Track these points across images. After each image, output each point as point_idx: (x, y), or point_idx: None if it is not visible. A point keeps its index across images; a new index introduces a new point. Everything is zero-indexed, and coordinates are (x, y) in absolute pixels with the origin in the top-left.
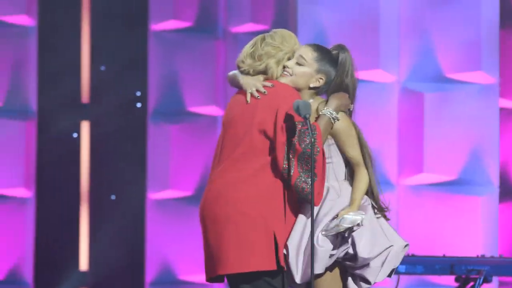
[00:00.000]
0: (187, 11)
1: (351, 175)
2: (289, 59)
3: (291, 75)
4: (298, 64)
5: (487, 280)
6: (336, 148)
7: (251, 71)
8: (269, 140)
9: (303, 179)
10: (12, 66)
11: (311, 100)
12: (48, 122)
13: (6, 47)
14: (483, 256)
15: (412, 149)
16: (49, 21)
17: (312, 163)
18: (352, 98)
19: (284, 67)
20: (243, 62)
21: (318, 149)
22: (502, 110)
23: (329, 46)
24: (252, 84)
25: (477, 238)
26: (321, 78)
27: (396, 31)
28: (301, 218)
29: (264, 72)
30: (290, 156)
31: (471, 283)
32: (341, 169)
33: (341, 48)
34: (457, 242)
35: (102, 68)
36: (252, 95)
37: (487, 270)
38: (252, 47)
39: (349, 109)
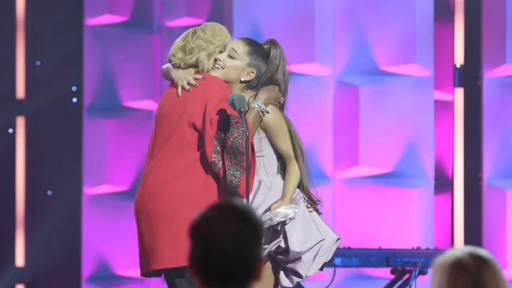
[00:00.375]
0: (122, 5)
1: (283, 169)
2: (220, 52)
3: (222, 68)
4: (230, 57)
5: (422, 272)
6: (267, 142)
7: (182, 65)
8: (198, 133)
9: (231, 172)
10: None
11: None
12: None
13: None
14: (418, 248)
15: (348, 142)
16: None
17: (247, 155)
18: (283, 92)
19: (215, 60)
20: (174, 55)
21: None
22: (437, 102)
23: (263, 40)
24: (183, 77)
25: (412, 230)
26: (252, 72)
27: (331, 25)
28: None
29: (195, 65)
30: (219, 149)
31: (407, 275)
32: (273, 163)
33: (272, 43)
34: (393, 235)
35: (38, 63)
36: (183, 88)
37: (423, 262)
38: (183, 41)
39: (280, 102)
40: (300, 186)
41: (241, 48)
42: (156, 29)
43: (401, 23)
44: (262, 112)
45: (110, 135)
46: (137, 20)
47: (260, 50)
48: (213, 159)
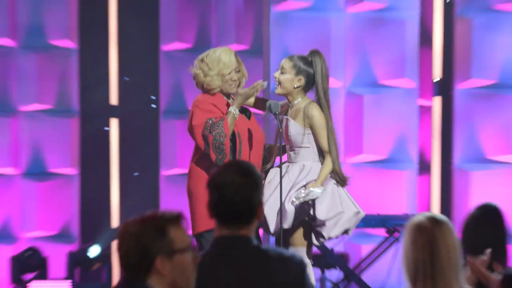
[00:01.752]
0: (187, 35)
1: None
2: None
3: (279, 84)
4: (282, 73)
5: None
6: (311, 136)
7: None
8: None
9: (219, 158)
10: (60, 78)
11: (299, 99)
12: (88, 119)
13: (55, 65)
14: (406, 214)
15: (355, 137)
16: (87, 44)
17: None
18: (326, 87)
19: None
20: None
21: (225, 135)
22: (421, 107)
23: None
24: None
25: (402, 201)
26: (300, 79)
27: (343, 49)
28: (271, 186)
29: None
30: (205, 143)
31: (397, 233)
32: (315, 153)
33: (312, 52)
34: (388, 204)
35: (126, 78)
36: None
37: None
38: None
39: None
40: (334, 171)
41: (286, 64)
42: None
43: (394, 48)
44: (236, 114)
45: (179, 132)
46: (198, 46)
47: (303, 61)
48: (205, 151)
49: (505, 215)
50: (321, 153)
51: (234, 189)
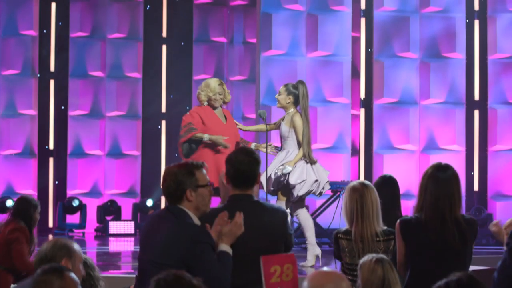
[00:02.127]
0: (209, 69)
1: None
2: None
3: (278, 101)
4: (279, 95)
5: None
6: (293, 134)
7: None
8: None
9: (181, 135)
10: (131, 95)
11: (290, 110)
12: (147, 121)
13: (127, 88)
14: (343, 180)
15: (312, 132)
16: (147, 75)
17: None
18: (305, 103)
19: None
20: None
21: (190, 131)
22: (352, 115)
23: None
24: None
25: (341, 173)
26: (289, 98)
27: (304, 79)
28: (274, 163)
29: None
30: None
31: (338, 193)
32: (295, 144)
33: (298, 81)
34: (333, 175)
35: (171, 96)
36: None
37: (344, 186)
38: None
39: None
40: (304, 155)
41: (282, 89)
42: (225, 81)
43: (335, 78)
44: (203, 138)
45: None
46: (216, 77)
47: (292, 86)
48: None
49: (397, 182)
50: (299, 144)
51: (245, 165)
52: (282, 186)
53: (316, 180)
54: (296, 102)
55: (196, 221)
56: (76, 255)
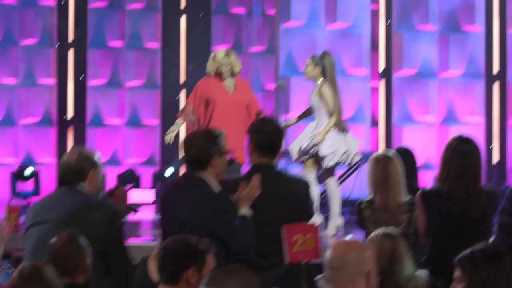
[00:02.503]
0: (229, 40)
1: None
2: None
3: (308, 74)
4: (306, 67)
5: (365, 162)
6: (323, 104)
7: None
8: None
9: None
10: (150, 66)
11: (320, 80)
12: (166, 91)
13: (146, 59)
14: (363, 151)
15: None
16: (166, 45)
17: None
18: (332, 73)
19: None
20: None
21: (183, 111)
22: (372, 87)
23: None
24: None
25: (361, 143)
26: (318, 68)
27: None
28: (304, 134)
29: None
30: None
31: (358, 163)
32: (326, 114)
33: (325, 52)
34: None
35: (189, 67)
36: None
37: (364, 157)
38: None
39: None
40: (336, 124)
41: (308, 61)
42: (243, 53)
43: (355, 50)
44: (190, 121)
45: None
46: (235, 48)
47: (318, 58)
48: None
49: (414, 154)
50: (329, 115)
51: (272, 133)
52: (312, 156)
53: (346, 152)
54: (324, 73)
55: (216, 187)
56: (99, 165)
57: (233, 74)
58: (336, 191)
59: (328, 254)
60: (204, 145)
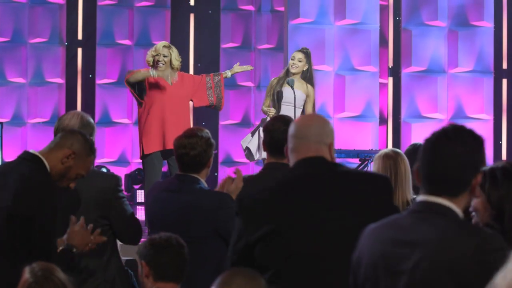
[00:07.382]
0: (237, 37)
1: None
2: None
3: (298, 68)
4: (300, 61)
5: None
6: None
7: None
8: None
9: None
10: None
11: (299, 77)
12: None
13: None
14: (371, 149)
15: (340, 99)
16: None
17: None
18: (312, 71)
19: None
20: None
21: (131, 72)
22: (380, 84)
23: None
24: None
25: (368, 141)
26: (305, 66)
27: (332, 48)
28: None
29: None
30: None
31: (366, 162)
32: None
33: (307, 50)
34: (361, 143)
35: (199, 64)
36: None
37: (373, 155)
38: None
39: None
40: None
41: (302, 57)
42: (252, 50)
43: (363, 47)
44: (151, 74)
45: (231, 97)
46: (244, 45)
47: (308, 56)
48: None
49: None
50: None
51: (281, 133)
52: None
53: None
54: (306, 71)
55: (205, 185)
56: (94, 131)
57: (172, 68)
58: None
59: (292, 126)
60: (206, 147)
